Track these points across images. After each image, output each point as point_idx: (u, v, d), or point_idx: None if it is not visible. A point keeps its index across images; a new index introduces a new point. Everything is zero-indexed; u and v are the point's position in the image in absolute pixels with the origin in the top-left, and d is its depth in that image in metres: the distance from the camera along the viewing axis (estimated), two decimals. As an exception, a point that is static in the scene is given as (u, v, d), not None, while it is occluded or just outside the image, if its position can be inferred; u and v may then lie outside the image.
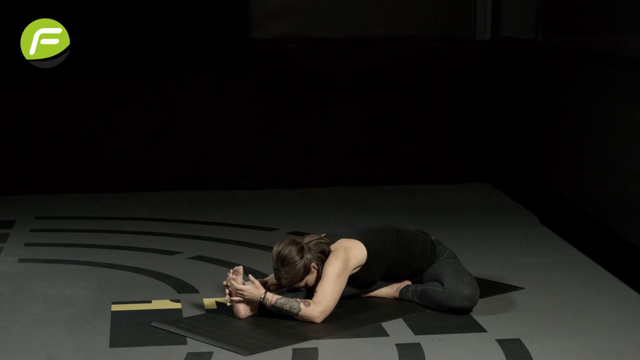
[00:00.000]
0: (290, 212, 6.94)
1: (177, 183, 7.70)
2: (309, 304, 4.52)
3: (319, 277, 4.61)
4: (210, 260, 5.67)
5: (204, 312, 4.69)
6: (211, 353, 4.17)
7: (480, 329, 4.46)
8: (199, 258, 5.72)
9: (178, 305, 4.81)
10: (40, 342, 4.33)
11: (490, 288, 5.02)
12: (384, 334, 4.41)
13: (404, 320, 4.57)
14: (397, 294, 4.85)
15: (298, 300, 4.55)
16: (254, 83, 7.72)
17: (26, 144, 7.55)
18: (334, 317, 4.58)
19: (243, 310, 4.56)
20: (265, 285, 4.69)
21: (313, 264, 4.60)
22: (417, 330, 4.43)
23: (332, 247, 4.67)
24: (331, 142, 7.81)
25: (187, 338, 4.33)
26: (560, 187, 6.69)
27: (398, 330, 4.45)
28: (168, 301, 4.89)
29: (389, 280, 4.87)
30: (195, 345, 4.26)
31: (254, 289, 4.55)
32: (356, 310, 4.70)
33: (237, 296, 4.55)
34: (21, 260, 5.68)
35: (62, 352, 4.20)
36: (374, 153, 7.85)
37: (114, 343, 4.30)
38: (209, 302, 4.84)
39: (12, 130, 7.53)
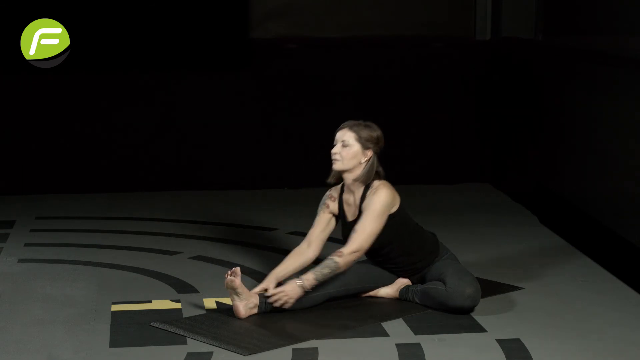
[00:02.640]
0: (290, 212, 6.94)
1: (177, 183, 7.71)
2: (341, 253, 4.61)
3: (354, 173, 4.71)
4: (210, 260, 5.67)
5: (204, 312, 4.69)
6: (211, 353, 4.17)
7: (480, 329, 4.46)
8: (199, 258, 5.72)
9: (178, 305, 4.81)
10: (40, 342, 4.33)
11: (490, 288, 5.02)
12: (384, 334, 4.41)
13: (404, 320, 4.57)
14: (397, 294, 4.85)
15: (330, 258, 4.61)
16: (254, 83, 7.72)
17: (26, 144, 7.55)
18: (334, 317, 4.58)
19: (243, 310, 4.56)
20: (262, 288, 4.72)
21: (370, 153, 4.71)
22: (417, 330, 4.43)
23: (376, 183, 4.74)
24: (331, 142, 7.79)
25: (187, 338, 4.33)
26: (560, 187, 6.69)
27: (398, 330, 4.45)
28: (168, 301, 4.89)
29: (383, 263, 4.85)
30: (195, 345, 4.26)
31: (289, 286, 4.58)
32: (356, 310, 4.70)
33: (281, 301, 4.57)
34: (21, 260, 5.68)
35: (62, 352, 4.20)
36: (373, 153, 7.84)
37: (114, 343, 4.30)
38: (209, 302, 4.84)
39: (12, 130, 7.54)
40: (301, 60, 7.77)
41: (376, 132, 4.78)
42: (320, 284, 4.69)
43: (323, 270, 4.61)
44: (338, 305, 4.74)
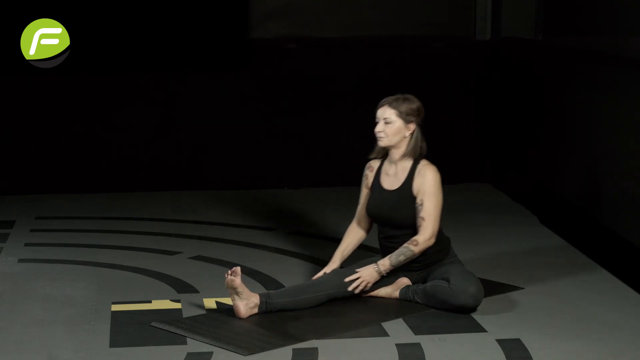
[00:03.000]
0: (290, 212, 6.94)
1: (177, 183, 7.70)
2: (417, 242, 4.71)
3: (401, 148, 4.86)
4: (210, 260, 5.67)
5: (204, 312, 4.69)
6: (211, 353, 4.17)
7: (480, 329, 4.46)
8: (199, 258, 5.72)
9: (178, 305, 4.81)
10: (40, 342, 4.33)
11: (490, 288, 5.01)
12: (384, 334, 4.41)
13: (404, 320, 4.57)
14: (397, 294, 4.85)
15: (406, 247, 4.73)
16: (254, 83, 7.71)
17: (26, 144, 7.55)
18: (334, 317, 4.58)
19: (244, 309, 4.56)
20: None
21: (413, 126, 4.87)
22: (417, 330, 4.43)
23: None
24: (331, 142, 7.81)
25: (187, 338, 4.33)
26: (560, 187, 6.69)
27: (398, 330, 4.45)
28: (168, 301, 4.89)
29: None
30: (195, 345, 4.26)
31: (366, 270, 4.74)
32: (356, 310, 4.70)
33: (360, 287, 4.74)
34: (21, 260, 5.68)
35: (62, 352, 4.20)
36: (374, 153, 7.83)
37: (114, 343, 4.30)
38: (209, 302, 4.84)
39: (12, 130, 7.53)
40: (301, 60, 7.77)
41: (415, 104, 4.90)
42: (321, 285, 4.72)
43: (399, 257, 4.76)
44: (338, 305, 4.74)
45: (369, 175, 5.01)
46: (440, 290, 4.68)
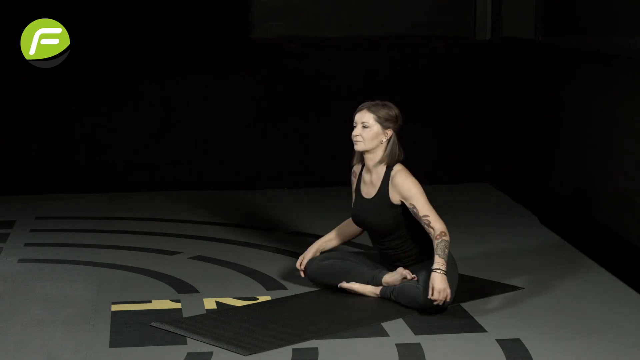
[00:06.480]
0: (290, 212, 6.94)
1: (177, 183, 7.70)
2: (440, 232, 4.63)
3: (376, 154, 4.80)
4: (210, 260, 5.67)
5: (204, 312, 4.70)
6: (211, 353, 4.17)
7: (480, 329, 4.46)
8: (199, 258, 5.72)
9: (178, 305, 4.81)
10: (40, 342, 4.33)
11: (490, 288, 5.02)
12: (384, 334, 4.41)
13: (404, 320, 4.57)
14: (377, 292, 4.84)
15: (440, 240, 4.60)
16: (254, 83, 7.71)
17: (26, 144, 7.55)
18: (334, 317, 4.58)
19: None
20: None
21: (389, 133, 4.78)
22: (417, 330, 4.43)
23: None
24: (331, 142, 7.80)
25: (187, 338, 4.34)
26: (560, 187, 6.69)
27: (398, 330, 4.45)
28: (168, 301, 4.89)
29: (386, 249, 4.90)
30: (195, 345, 4.26)
31: (437, 282, 4.56)
32: (356, 311, 4.70)
33: (441, 298, 4.56)
34: (21, 260, 5.68)
35: (62, 352, 4.20)
36: (374, 153, 7.83)
37: (114, 343, 4.30)
38: (209, 302, 4.84)
39: (12, 130, 7.53)
40: (301, 60, 7.77)
41: (394, 111, 4.83)
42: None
43: (445, 251, 4.61)
44: (338, 305, 4.75)
45: (353, 181, 5.02)
46: (410, 289, 4.68)
